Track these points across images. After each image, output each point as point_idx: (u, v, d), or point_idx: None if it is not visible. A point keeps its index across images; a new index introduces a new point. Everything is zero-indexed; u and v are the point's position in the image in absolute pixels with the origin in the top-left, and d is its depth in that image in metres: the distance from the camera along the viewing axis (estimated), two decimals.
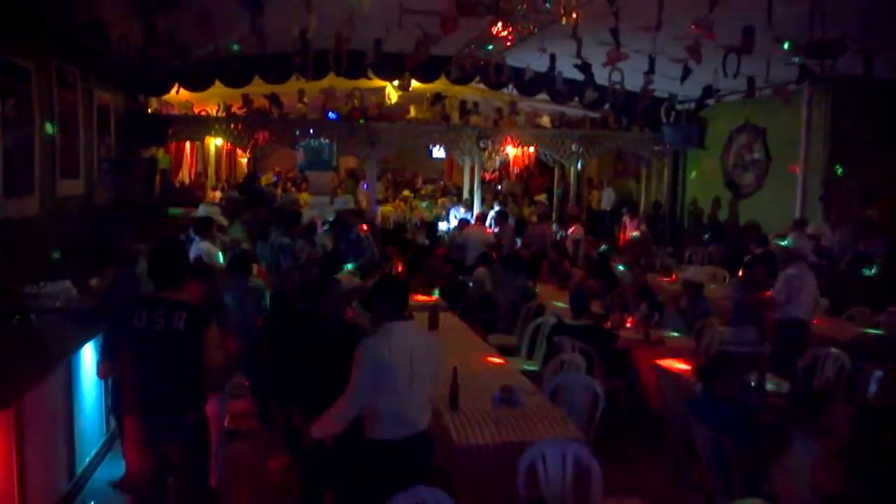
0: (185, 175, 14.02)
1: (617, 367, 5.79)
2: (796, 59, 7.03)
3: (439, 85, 12.07)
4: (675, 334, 6.40)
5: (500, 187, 16.62)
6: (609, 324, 6.40)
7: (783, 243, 6.14)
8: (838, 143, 9.62)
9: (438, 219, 13.66)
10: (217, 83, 10.82)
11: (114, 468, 4.99)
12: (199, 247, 6.77)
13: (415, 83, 11.22)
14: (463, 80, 11.23)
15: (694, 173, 13.32)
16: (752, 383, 4.40)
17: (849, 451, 3.09)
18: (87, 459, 4.98)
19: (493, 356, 5.77)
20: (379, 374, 3.37)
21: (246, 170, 15.65)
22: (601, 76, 9.52)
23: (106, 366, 3.60)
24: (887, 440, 3.16)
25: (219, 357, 3.52)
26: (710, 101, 10.82)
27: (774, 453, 3.34)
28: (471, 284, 8.56)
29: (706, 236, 11.62)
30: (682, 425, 4.40)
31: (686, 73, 8.53)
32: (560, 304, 7.61)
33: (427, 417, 3.60)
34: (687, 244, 11.47)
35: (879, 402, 4.30)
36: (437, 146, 14.21)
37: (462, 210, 13.36)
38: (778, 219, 10.01)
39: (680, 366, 5.33)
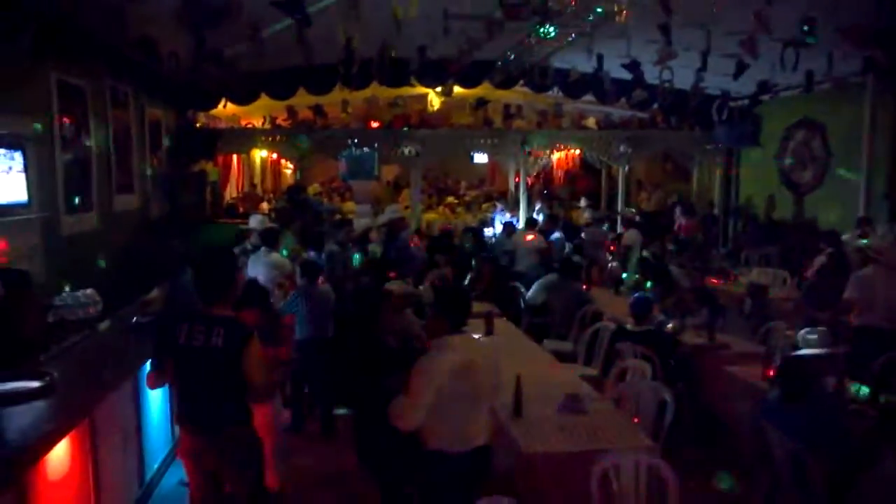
0: (233, 187, 14.23)
1: (680, 372, 5.58)
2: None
3: (482, 90, 12.01)
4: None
5: (545, 192, 16.42)
6: (670, 328, 6.18)
7: (864, 242, 5.78)
8: None
9: (484, 224, 13.53)
10: (262, 96, 10.97)
11: (180, 474, 5.03)
12: (267, 259, 6.82)
13: (457, 89, 11.18)
14: (506, 83, 11.14)
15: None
16: (831, 389, 4.18)
17: None
18: (155, 466, 5.06)
19: (552, 362, 5.64)
20: (439, 388, 3.31)
21: (291, 181, 15.82)
22: (650, 75, 9.32)
23: (152, 377, 3.60)
24: None
25: (261, 373, 3.46)
26: (765, 97, 10.48)
27: (865, 465, 3.12)
28: (522, 289, 8.43)
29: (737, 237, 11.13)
30: (753, 433, 4.20)
31: (740, 68, 8.29)
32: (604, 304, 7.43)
33: (489, 431, 3.52)
34: (743, 245, 11.11)
35: None
36: (480, 151, 14.11)
37: (507, 214, 13.22)
38: (840, 218, 9.61)
39: (749, 371, 5.12)
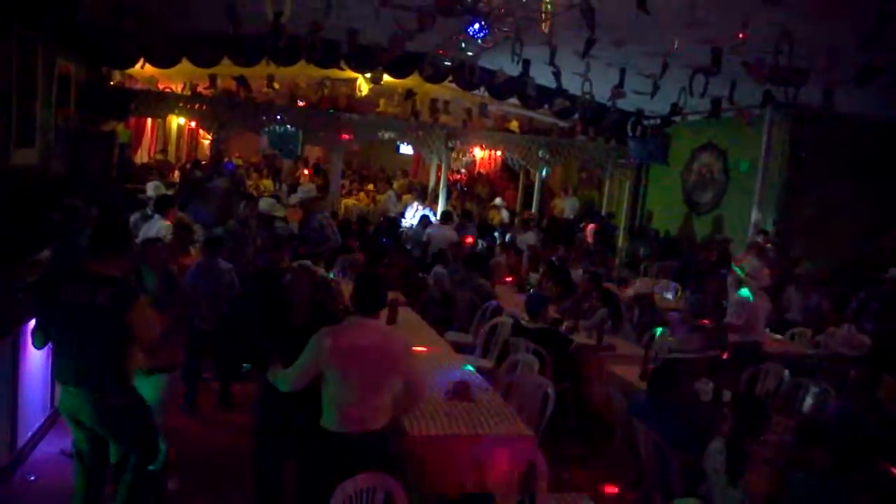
0: (144, 152, 13.74)
1: (568, 370, 5.88)
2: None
3: (411, 81, 12.08)
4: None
5: (465, 189, 16.68)
6: (564, 328, 6.49)
7: (738, 270, 6.29)
8: (795, 169, 9.93)
9: (402, 215, 13.65)
10: (184, 61, 10.66)
11: (57, 443, 4.91)
12: (159, 225, 6.67)
13: (387, 77, 11.22)
14: (435, 78, 11.26)
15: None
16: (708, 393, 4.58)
17: (789, 460, 3.22)
18: (30, 433, 4.87)
19: (450, 352, 5.81)
20: (325, 365, 3.38)
21: (209, 151, 15.39)
22: (573, 86, 9.66)
23: (37, 335, 3.62)
24: (819, 453, 3.28)
25: (150, 332, 3.53)
26: (676, 119, 11.05)
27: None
28: (431, 282, 8.59)
29: (642, 251, 11.83)
30: (625, 427, 4.50)
31: (655, 89, 8.73)
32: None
33: (385, 417, 3.54)
34: (642, 257, 11.70)
35: (815, 416, 4.49)
36: (406, 143, 14.20)
37: (421, 208, 13.37)
38: (733, 238, 10.28)
39: (628, 371, 5.48)
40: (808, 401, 4.79)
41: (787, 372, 5.38)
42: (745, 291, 6.15)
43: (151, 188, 8.02)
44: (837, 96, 7.38)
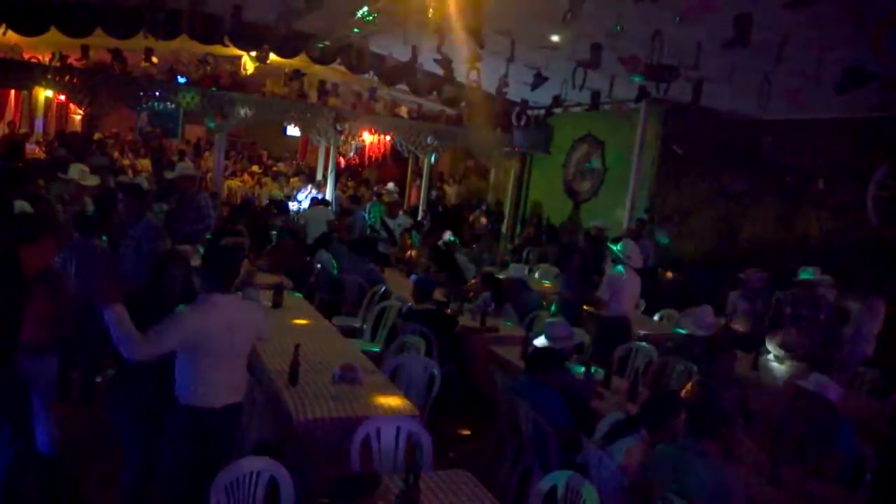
0: (4, 126, 12.68)
1: (454, 351, 6.07)
2: (637, 79, 7.71)
3: (299, 62, 11.83)
4: (508, 324, 6.86)
5: (354, 173, 16.60)
6: (449, 310, 6.67)
7: (616, 248, 6.67)
8: (665, 160, 10.62)
9: (289, 198, 13.41)
10: (53, 30, 9.89)
11: None
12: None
13: (274, 57, 10.94)
14: (324, 59, 11.10)
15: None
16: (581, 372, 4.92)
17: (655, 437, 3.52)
18: None
19: (336, 336, 5.84)
20: (193, 342, 3.36)
21: (79, 127, 14.43)
22: (460, 74, 9.85)
23: None
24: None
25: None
26: (558, 111, 11.51)
27: (590, 433, 3.71)
28: (318, 266, 8.53)
29: (543, 238, 12.35)
30: (507, 405, 4.72)
31: (538, 80, 9.07)
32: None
33: (244, 388, 3.64)
34: (525, 243, 12.16)
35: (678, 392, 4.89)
36: (292, 124, 13.91)
37: (314, 191, 13.19)
38: (609, 226, 10.86)
39: (510, 352, 5.73)
40: (674, 378, 5.22)
41: (653, 350, 5.84)
42: (619, 269, 6.54)
43: (75, 171, 7.41)
44: (709, 94, 7.96)
